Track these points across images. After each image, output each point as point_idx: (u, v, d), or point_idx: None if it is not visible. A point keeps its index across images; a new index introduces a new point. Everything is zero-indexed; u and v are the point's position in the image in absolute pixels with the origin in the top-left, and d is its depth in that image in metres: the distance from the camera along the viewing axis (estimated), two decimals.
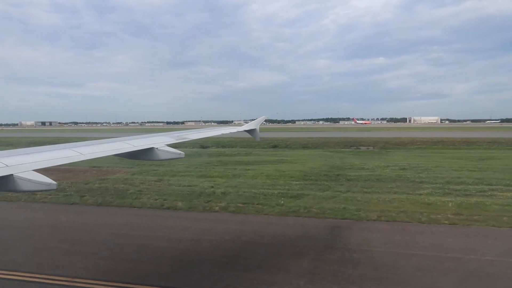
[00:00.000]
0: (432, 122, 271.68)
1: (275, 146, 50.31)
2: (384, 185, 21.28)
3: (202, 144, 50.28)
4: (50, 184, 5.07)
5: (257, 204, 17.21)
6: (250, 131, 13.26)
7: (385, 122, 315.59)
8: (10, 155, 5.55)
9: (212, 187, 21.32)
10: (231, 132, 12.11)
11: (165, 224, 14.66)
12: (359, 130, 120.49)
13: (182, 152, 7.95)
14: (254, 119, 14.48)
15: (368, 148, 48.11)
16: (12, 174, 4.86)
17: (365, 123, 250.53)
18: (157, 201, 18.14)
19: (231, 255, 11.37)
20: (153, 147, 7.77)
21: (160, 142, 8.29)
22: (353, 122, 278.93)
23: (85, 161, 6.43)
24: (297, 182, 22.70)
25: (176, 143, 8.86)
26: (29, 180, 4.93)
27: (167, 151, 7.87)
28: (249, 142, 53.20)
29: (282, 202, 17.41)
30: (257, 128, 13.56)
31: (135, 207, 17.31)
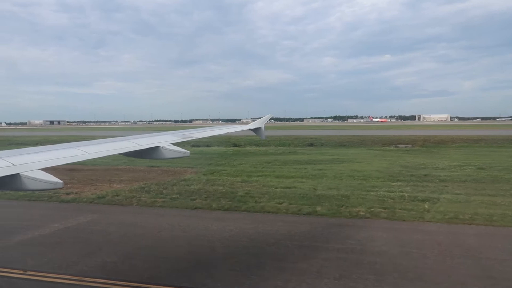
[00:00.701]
0: (442, 120, 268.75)
1: (311, 145, 49.02)
2: (495, 187, 19.70)
3: (234, 142, 50.71)
4: (56, 183, 5.08)
5: (399, 209, 15.38)
6: (255, 130, 13.23)
7: (394, 120, 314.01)
8: (16, 155, 5.58)
9: (315, 188, 19.68)
10: (236, 131, 12.09)
11: (352, 235, 12.54)
12: (378, 128, 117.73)
13: (187, 151, 7.96)
14: (261, 117, 14.41)
15: (408, 146, 45.96)
16: (19, 173, 4.89)
17: (382, 121, 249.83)
18: (283, 205, 16.45)
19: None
20: (158, 146, 7.78)
21: (165, 141, 8.29)
22: (369, 120, 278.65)
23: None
24: (394, 184, 20.90)
25: (182, 141, 8.87)
26: (36, 179, 4.95)
27: (173, 150, 7.88)
28: (275, 141, 53.08)
29: (427, 206, 15.68)
30: (262, 126, 13.52)
31: (271, 213, 15.47)
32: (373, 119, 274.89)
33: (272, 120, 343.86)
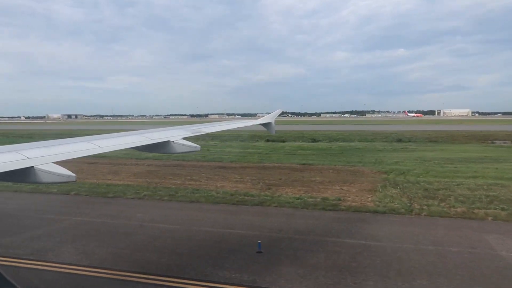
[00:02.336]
0: (462, 115, 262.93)
1: (399, 140, 47.71)
2: None
3: (313, 137, 51.46)
4: (69, 176, 5.15)
5: None
6: (265, 125, 13.22)
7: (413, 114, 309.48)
8: (30, 148, 5.67)
9: None
10: (246, 126, 12.09)
11: None
12: (422, 123, 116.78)
13: (197, 146, 7.99)
14: (271, 112, 14.39)
15: (506, 143, 43.44)
16: (33, 166, 4.97)
17: (417, 116, 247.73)
18: None
19: None
20: (169, 140, 7.82)
21: (176, 135, 8.34)
22: (404, 115, 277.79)
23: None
24: None
25: (192, 136, 8.90)
26: (49, 172, 5.02)
27: (183, 144, 7.92)
28: (350, 136, 53.17)
29: None
30: (273, 121, 13.51)
31: None
32: (409, 114, 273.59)
33: (289, 115, 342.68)
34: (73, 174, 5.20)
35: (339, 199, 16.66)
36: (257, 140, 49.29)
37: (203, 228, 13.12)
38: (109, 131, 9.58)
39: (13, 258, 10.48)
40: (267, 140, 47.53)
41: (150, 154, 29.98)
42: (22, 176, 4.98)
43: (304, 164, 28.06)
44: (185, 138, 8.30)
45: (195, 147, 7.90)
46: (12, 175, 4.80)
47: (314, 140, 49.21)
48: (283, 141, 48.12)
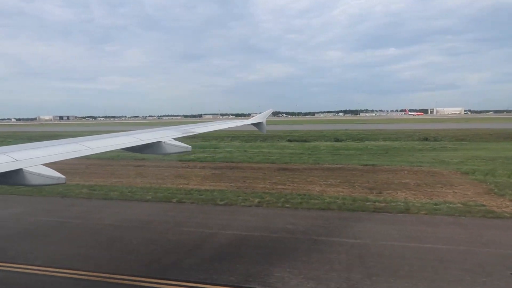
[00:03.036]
0: (455, 113, 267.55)
1: (426, 139, 46.38)
2: None
3: (337, 137, 50.85)
4: (58, 178, 5.12)
5: None
6: (257, 124, 13.26)
7: (402, 113, 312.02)
8: (19, 150, 5.62)
9: None
10: (237, 126, 12.12)
11: None
12: (427, 121, 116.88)
13: (189, 146, 7.99)
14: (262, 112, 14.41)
15: None
16: (21, 168, 4.93)
17: (418, 114, 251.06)
18: None
19: None
20: (160, 141, 7.82)
21: (167, 136, 8.33)
22: (404, 114, 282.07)
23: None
24: None
25: (183, 136, 8.90)
26: (38, 174, 4.99)
27: (174, 145, 7.92)
28: (369, 135, 52.62)
29: None
30: (264, 121, 13.55)
31: None
32: (409, 113, 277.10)
33: (284, 115, 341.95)
34: (63, 176, 5.16)
35: (482, 205, 15.08)
36: (278, 140, 48.19)
37: (412, 244, 11.04)
38: (104, 132, 9.37)
39: None
40: (289, 140, 46.70)
41: (190, 156, 30.11)
42: (11, 178, 4.93)
43: (366, 165, 26.37)
44: (176, 139, 8.30)
45: (186, 147, 7.91)
46: (0, 177, 4.75)
47: (337, 140, 47.61)
48: (305, 141, 46.71)
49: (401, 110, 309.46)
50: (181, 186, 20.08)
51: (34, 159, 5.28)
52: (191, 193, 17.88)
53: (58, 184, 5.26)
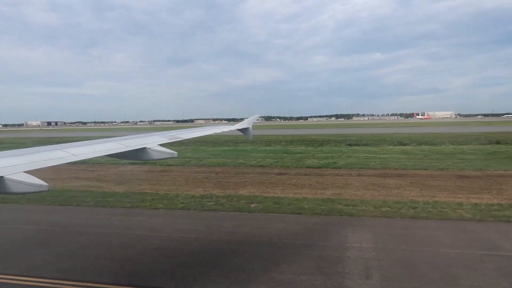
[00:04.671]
0: (446, 117, 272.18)
1: (498, 142, 45.08)
2: None
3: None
4: (41, 185, 5.06)
5: None
6: (243, 130, 13.29)
7: (395, 117, 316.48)
8: (0, 157, 5.54)
9: None
10: (223, 131, 12.15)
11: None
12: (441, 124, 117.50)
13: (174, 152, 7.99)
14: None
15: None
16: (2, 176, 4.86)
17: (425, 118, 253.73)
18: None
19: None
20: (145, 147, 7.78)
21: (153, 142, 8.30)
22: (414, 117, 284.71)
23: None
24: None
25: (169, 142, 8.88)
26: (20, 182, 4.92)
27: (160, 151, 7.90)
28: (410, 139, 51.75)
29: None
30: (250, 126, 13.60)
31: None
32: (417, 116, 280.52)
33: (277, 119, 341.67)
34: (45, 184, 5.11)
35: None
36: (336, 145, 47.32)
37: None
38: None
39: None
40: (349, 144, 46.18)
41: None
42: None
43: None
44: (162, 145, 8.29)
45: (172, 153, 7.90)
46: None
47: (401, 144, 46.10)
48: (366, 145, 45.80)
49: (413, 114, 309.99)
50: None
51: (16, 166, 5.21)
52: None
53: (41, 191, 5.21)
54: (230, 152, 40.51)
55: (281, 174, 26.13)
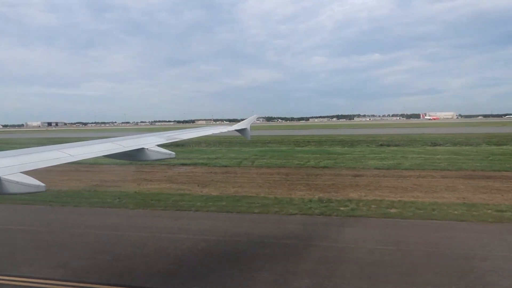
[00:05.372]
0: (448, 118, 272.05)
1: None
2: None
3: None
4: (38, 186, 5.04)
5: None
6: (241, 131, 13.31)
7: (397, 118, 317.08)
8: None
9: None
10: (221, 132, 12.15)
11: None
12: (454, 125, 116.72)
13: (172, 152, 7.98)
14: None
15: None
16: None
17: (434, 119, 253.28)
18: None
19: None
20: (143, 148, 7.78)
21: (150, 142, 8.29)
22: (421, 118, 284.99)
23: None
24: None
25: (167, 143, 8.88)
26: (17, 183, 4.90)
27: (158, 152, 7.89)
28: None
29: None
30: (248, 127, 13.61)
31: None
32: (425, 117, 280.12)
33: (279, 120, 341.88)
34: (42, 184, 5.09)
35: None
36: (368, 145, 46.60)
37: None
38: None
39: None
40: (381, 145, 45.56)
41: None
42: None
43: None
44: (160, 145, 8.28)
45: (170, 154, 7.90)
46: None
47: (435, 144, 45.45)
48: (397, 145, 45.15)
49: (421, 114, 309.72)
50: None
51: (13, 167, 5.19)
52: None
53: (38, 192, 5.19)
54: (270, 153, 39.26)
55: (359, 176, 24.79)
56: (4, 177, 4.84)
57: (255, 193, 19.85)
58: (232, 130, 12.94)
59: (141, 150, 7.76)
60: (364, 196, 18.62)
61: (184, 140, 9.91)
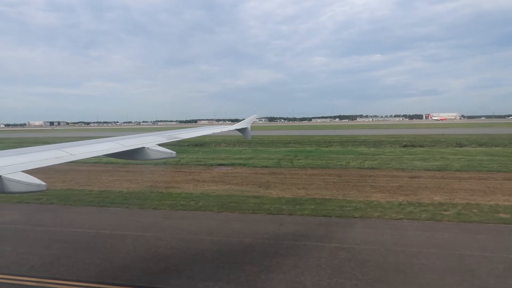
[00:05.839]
0: (451, 119, 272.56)
1: None
2: None
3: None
4: (39, 185, 5.03)
5: None
6: (241, 130, 13.31)
7: (400, 119, 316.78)
8: None
9: None
10: (222, 131, 12.15)
11: None
12: (466, 126, 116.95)
13: (173, 152, 7.96)
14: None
15: None
16: (0, 176, 4.84)
17: (441, 119, 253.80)
18: None
19: None
20: (144, 147, 7.76)
21: (151, 141, 8.28)
22: (429, 118, 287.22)
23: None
24: None
25: (168, 142, 8.86)
26: (18, 181, 4.89)
27: (158, 151, 7.87)
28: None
29: None
30: (248, 127, 13.61)
31: None
32: (433, 117, 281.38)
33: (282, 120, 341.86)
34: (43, 183, 5.08)
35: None
36: (392, 146, 46.33)
37: None
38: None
39: None
40: (405, 146, 45.17)
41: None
42: None
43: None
44: (160, 144, 8.26)
45: (171, 153, 7.87)
46: None
47: (460, 145, 45.44)
48: (423, 146, 44.80)
49: (428, 115, 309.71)
50: None
51: (14, 166, 5.18)
52: None
53: (39, 191, 5.18)
54: (301, 154, 38.63)
55: (417, 177, 23.99)
56: (5, 176, 4.84)
57: (330, 195, 18.98)
58: (233, 130, 12.94)
59: (141, 150, 7.74)
60: (450, 199, 17.71)
61: (184, 139, 9.90)
